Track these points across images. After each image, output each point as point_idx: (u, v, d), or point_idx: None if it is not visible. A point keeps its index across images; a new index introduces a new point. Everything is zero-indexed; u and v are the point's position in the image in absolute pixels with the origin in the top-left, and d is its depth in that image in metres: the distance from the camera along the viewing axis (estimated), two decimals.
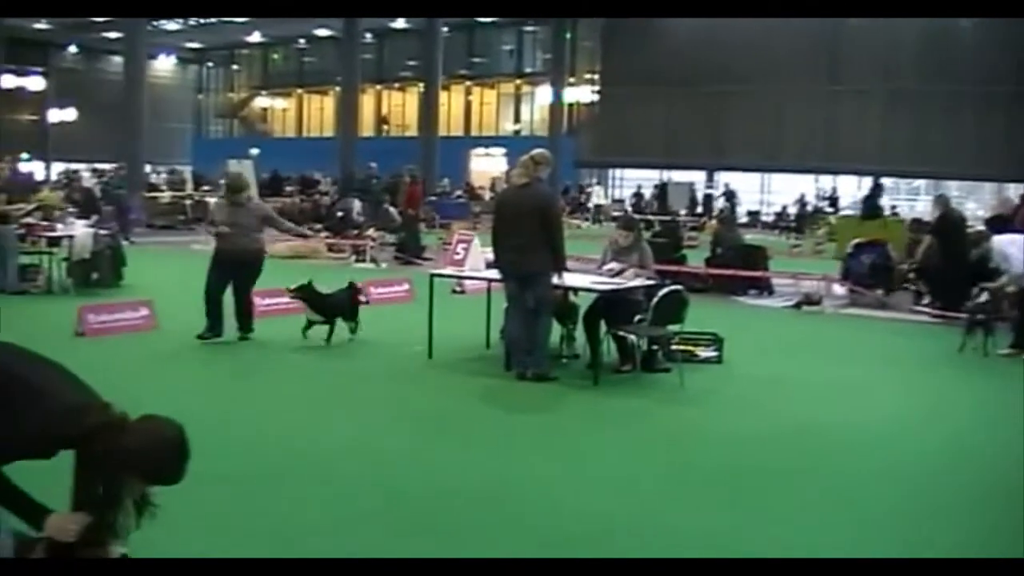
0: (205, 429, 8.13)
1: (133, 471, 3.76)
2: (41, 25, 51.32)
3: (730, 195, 41.08)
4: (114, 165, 39.65)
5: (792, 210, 39.74)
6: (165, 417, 3.90)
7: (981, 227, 17.25)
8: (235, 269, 11.71)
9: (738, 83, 38.78)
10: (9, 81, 43.56)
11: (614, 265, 11.01)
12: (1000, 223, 16.39)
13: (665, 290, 10.26)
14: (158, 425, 3.88)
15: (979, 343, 12.72)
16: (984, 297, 12.95)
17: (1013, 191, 28.23)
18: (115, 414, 3.83)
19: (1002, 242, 12.92)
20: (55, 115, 58.13)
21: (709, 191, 42.05)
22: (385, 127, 58.17)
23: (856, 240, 19.52)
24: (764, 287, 18.95)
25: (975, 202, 37.37)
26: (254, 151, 42.50)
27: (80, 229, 16.79)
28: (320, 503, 6.39)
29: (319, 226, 25.26)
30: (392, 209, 25.47)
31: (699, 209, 39.34)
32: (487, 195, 40.49)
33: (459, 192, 42.74)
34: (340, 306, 12.05)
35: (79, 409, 3.80)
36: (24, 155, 50.19)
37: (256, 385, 9.88)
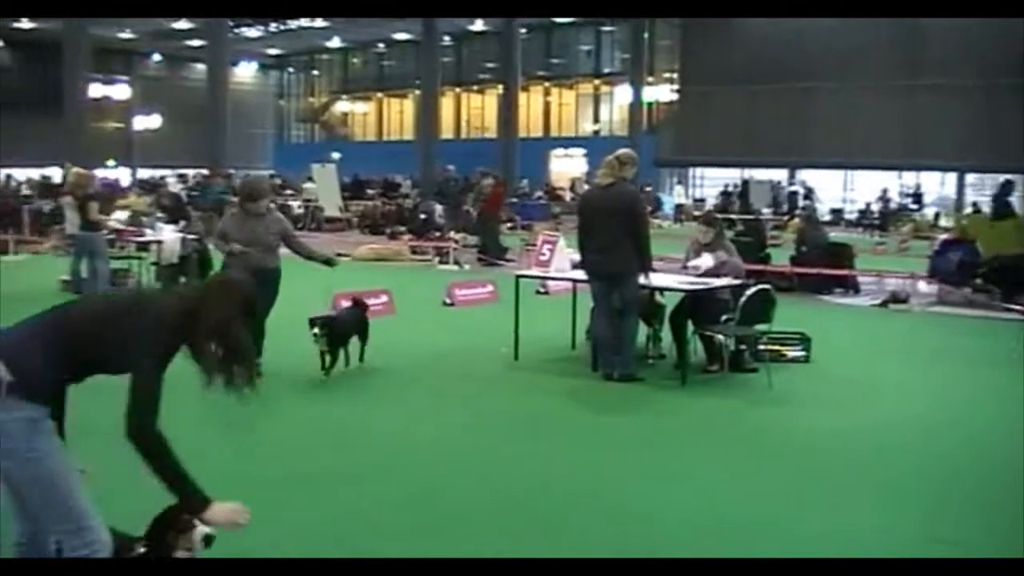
0: (297, 430, 8.28)
1: (237, 315, 4.12)
2: (126, 34, 52.29)
3: (808, 193, 40.59)
4: (195, 172, 40.24)
5: (875, 207, 39.15)
6: (219, 273, 5.29)
7: None
8: None
9: (819, 80, 38.37)
10: (96, 90, 44.39)
11: (703, 261, 10.91)
12: None
13: (753, 289, 10.20)
14: (223, 277, 4.76)
15: None
16: None
17: None
18: (192, 290, 4.34)
19: None
20: (140, 122, 59.18)
21: (793, 189, 41.53)
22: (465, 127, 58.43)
23: (943, 237, 19.22)
24: (850, 286, 18.72)
25: None
26: (335, 155, 42.90)
27: (168, 234, 17.06)
28: (418, 502, 6.45)
29: (403, 228, 25.51)
30: (471, 211, 25.58)
31: (784, 207, 38.89)
32: (567, 196, 40.48)
33: (539, 193, 42.78)
34: (349, 328, 10.49)
35: (173, 296, 4.27)
36: (110, 162, 51.14)
37: (343, 385, 9.97)
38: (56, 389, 3.97)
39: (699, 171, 48.07)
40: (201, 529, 3.91)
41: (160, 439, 3.87)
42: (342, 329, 10.27)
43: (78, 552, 3.88)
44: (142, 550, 3.98)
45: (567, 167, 50.81)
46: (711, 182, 46.04)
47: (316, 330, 9.78)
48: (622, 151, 10.37)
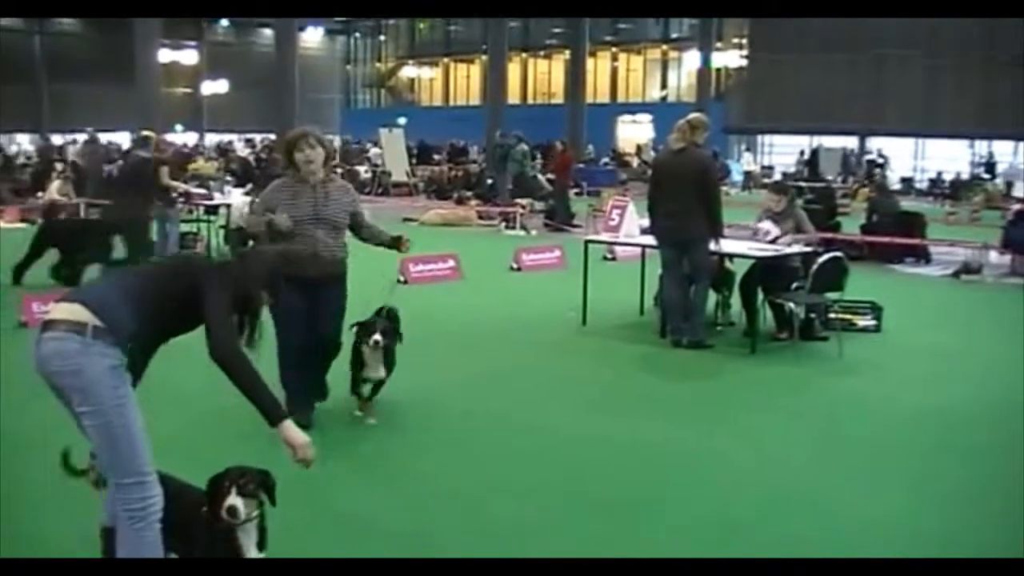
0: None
1: (260, 287, 4.36)
2: None
3: (883, 161, 39.98)
4: (262, 136, 40.40)
5: (948, 176, 38.54)
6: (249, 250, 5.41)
7: None
8: (311, 294, 6.89)
9: (892, 47, 37.81)
10: (165, 55, 44.65)
11: (769, 227, 10.82)
12: None
13: (825, 257, 10.08)
14: (256, 252, 5.21)
15: None
16: None
17: None
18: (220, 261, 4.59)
19: None
20: (208, 87, 59.58)
21: (869, 157, 40.89)
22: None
23: (1017, 207, 18.86)
24: (921, 255, 18.48)
25: None
26: (402, 120, 42.98)
27: (237, 197, 17.20)
28: (488, 472, 6.49)
29: (469, 193, 25.53)
30: (540, 177, 25.48)
31: (854, 176, 38.37)
32: (634, 162, 40.22)
33: (606, 159, 42.58)
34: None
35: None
36: (178, 127, 51.58)
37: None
38: (135, 342, 4.03)
39: (768, 138, 47.56)
40: (230, 499, 3.95)
41: (242, 355, 4.07)
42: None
43: (132, 507, 3.96)
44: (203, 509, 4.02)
45: (634, 133, 50.47)
46: (780, 150, 45.53)
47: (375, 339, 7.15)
48: (694, 115, 10.28)
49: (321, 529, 5.31)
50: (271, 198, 7.09)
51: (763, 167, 42.80)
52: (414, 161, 33.24)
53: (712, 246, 10.07)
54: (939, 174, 39.23)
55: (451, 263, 14.48)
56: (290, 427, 4.04)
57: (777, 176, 36.59)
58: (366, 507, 5.70)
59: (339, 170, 30.38)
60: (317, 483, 5.32)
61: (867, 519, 5.75)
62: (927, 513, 5.93)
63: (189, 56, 58.20)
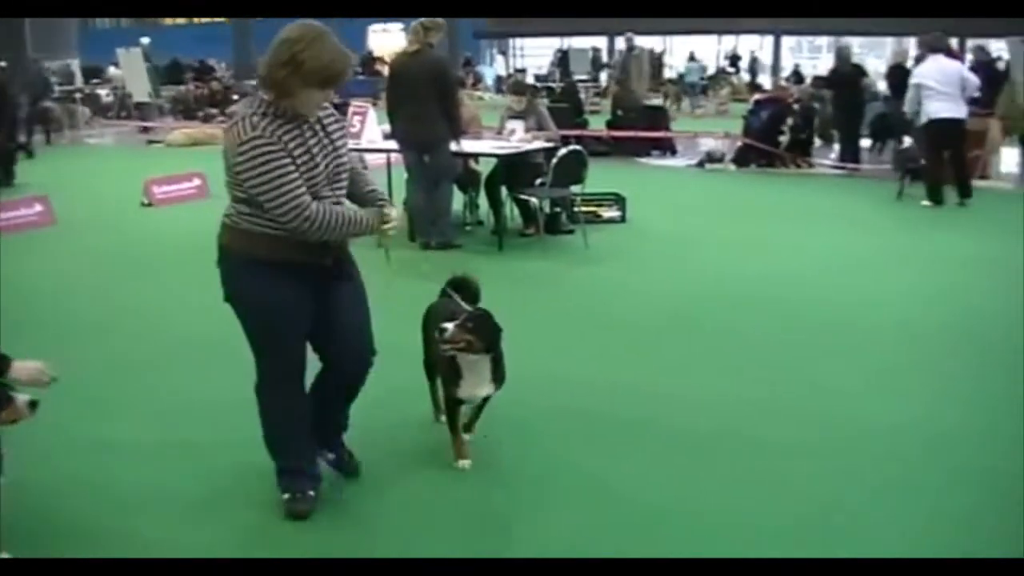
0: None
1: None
2: None
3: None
4: None
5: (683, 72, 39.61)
6: None
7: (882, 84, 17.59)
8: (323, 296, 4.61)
9: None
10: None
11: (514, 125, 10.92)
12: (899, 75, 16.58)
13: (564, 151, 10.23)
14: None
15: (901, 190, 13.38)
16: (908, 142, 13.37)
17: (912, 44, 28.39)
18: None
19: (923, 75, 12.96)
20: None
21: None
22: None
23: (757, 96, 19.61)
24: (667, 148, 19.02)
25: (876, 58, 37.54)
26: (145, 40, 41.32)
27: None
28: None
29: (216, 111, 24.86)
30: None
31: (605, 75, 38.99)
32: (386, 71, 39.78)
33: (359, 70, 41.98)
34: None
35: None
36: None
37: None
38: None
39: (520, 42, 47.82)
40: (21, 397, 3.74)
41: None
42: None
43: None
44: None
45: (386, 42, 49.88)
46: (532, 52, 45.88)
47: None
48: (427, 18, 10.18)
49: None
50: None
51: (516, 70, 43.03)
52: (163, 81, 32.07)
53: (453, 147, 10.08)
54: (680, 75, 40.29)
55: (197, 182, 14.04)
56: (15, 369, 3.77)
57: (530, 79, 36.89)
58: None
59: (78, 94, 29.24)
60: None
61: (615, 383, 5.99)
62: (667, 375, 6.25)
63: None
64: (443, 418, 5.07)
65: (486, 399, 4.92)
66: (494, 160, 10.53)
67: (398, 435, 5.27)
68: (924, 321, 7.56)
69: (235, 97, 24.73)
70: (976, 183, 13.48)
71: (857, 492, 4.64)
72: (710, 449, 5.13)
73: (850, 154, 16.79)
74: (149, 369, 6.50)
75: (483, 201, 11.06)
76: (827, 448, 5.13)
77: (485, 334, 4.67)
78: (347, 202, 4.26)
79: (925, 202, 12.82)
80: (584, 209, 10.87)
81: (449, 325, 4.60)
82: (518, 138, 10.79)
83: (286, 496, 4.36)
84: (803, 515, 4.41)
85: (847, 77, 16.90)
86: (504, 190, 10.57)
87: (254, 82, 23.44)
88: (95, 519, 4.37)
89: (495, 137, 11.20)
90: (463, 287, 5.21)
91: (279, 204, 3.92)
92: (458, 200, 10.92)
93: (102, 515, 4.41)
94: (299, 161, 3.97)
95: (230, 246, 4.19)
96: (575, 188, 10.44)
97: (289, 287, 4.14)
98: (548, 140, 10.91)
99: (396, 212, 4.35)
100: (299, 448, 4.45)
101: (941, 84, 12.59)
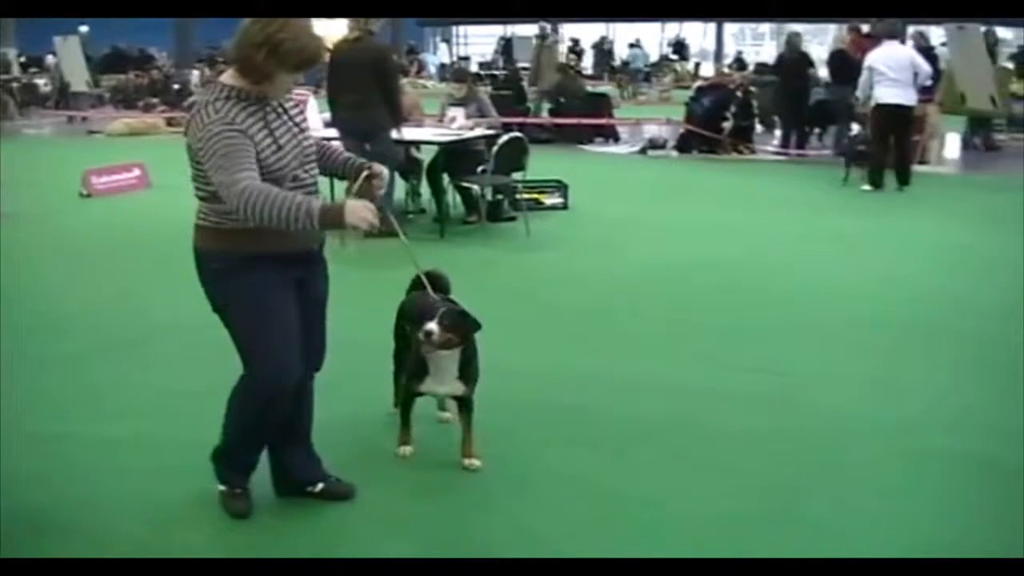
0: None
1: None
2: None
3: (574, 45, 40.71)
4: None
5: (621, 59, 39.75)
6: None
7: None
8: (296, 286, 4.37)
9: None
10: None
11: (455, 113, 10.92)
12: (840, 61, 16.76)
13: (504, 138, 10.23)
14: None
15: (847, 175, 13.68)
16: (856, 129, 13.63)
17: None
18: None
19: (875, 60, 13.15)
20: None
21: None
22: None
23: (699, 83, 19.74)
24: (610, 134, 19.11)
25: (819, 44, 37.80)
26: (84, 28, 40.81)
27: None
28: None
29: (156, 100, 24.64)
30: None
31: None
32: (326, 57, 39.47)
33: None
34: None
35: None
36: None
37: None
38: None
39: (463, 29, 47.71)
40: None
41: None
42: None
43: None
44: None
45: (327, 29, 49.50)
46: (476, 40, 45.81)
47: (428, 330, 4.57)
48: None
49: None
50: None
51: (460, 58, 42.96)
52: (104, 69, 31.70)
53: (395, 135, 10.05)
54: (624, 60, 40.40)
55: (137, 172, 13.89)
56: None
57: (473, 67, 36.83)
58: None
59: (14, 84, 28.81)
60: None
61: (559, 370, 5.96)
62: (610, 360, 6.28)
63: None
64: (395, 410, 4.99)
65: (463, 407, 4.69)
66: (435, 148, 10.51)
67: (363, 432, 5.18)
68: (869, 303, 7.70)
69: (176, 87, 24.54)
70: (916, 168, 13.70)
71: (809, 478, 4.67)
72: (659, 435, 5.15)
73: (795, 140, 16.99)
74: (97, 362, 6.42)
75: (425, 189, 11.04)
76: (777, 433, 5.17)
77: (463, 330, 4.54)
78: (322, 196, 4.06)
79: (865, 186, 12.99)
80: (526, 196, 10.90)
81: (434, 327, 4.39)
82: (459, 125, 10.81)
83: (222, 489, 4.23)
84: (757, 503, 4.42)
85: (794, 65, 17.08)
86: (446, 178, 10.58)
87: (195, 71, 23.29)
88: (49, 513, 4.31)
89: (436, 125, 11.19)
90: (434, 282, 4.92)
91: (220, 182, 3.67)
92: (400, 188, 10.88)
93: (61, 510, 4.34)
94: (263, 145, 3.80)
95: (205, 247, 3.95)
96: (517, 175, 10.46)
97: (278, 283, 3.94)
98: (488, 127, 10.92)
99: (380, 168, 4.26)
100: (258, 449, 4.27)
101: (891, 70, 12.86)
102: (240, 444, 4.21)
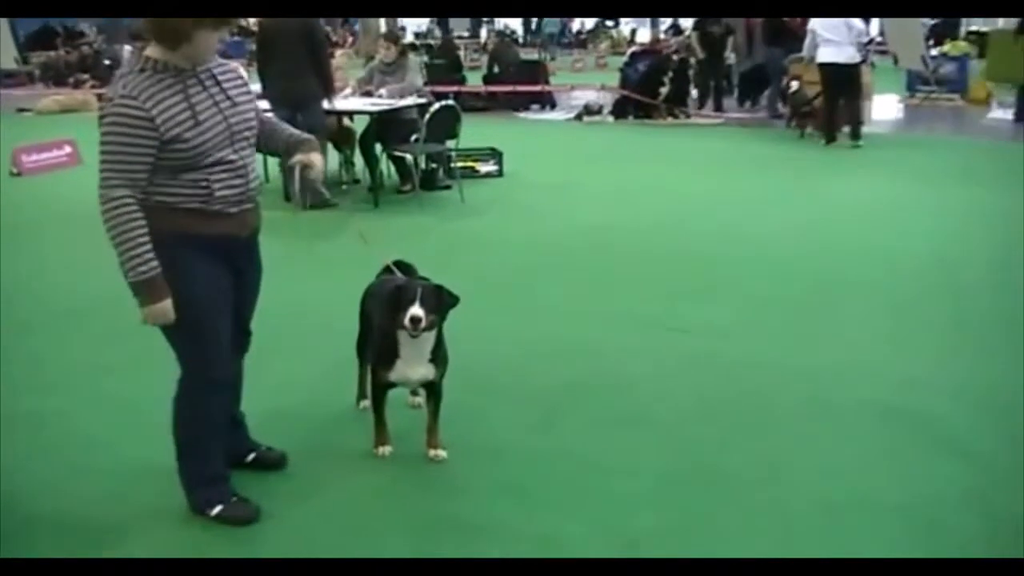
0: None
1: None
2: None
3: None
4: None
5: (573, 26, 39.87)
6: None
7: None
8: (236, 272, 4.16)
9: None
10: None
11: (382, 91, 10.85)
12: (774, 25, 16.98)
13: (436, 106, 10.23)
14: None
15: (803, 132, 14.56)
16: (795, 86, 14.07)
17: None
18: None
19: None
20: None
21: None
22: None
23: (633, 49, 19.80)
24: (546, 102, 19.12)
25: None
26: None
27: None
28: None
29: (86, 76, 24.31)
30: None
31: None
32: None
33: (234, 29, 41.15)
34: None
35: None
36: None
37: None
38: None
39: None
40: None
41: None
42: None
43: None
44: None
45: None
46: None
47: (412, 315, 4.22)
48: None
49: None
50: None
51: (398, 28, 42.74)
52: (32, 47, 31.22)
53: (325, 105, 10.02)
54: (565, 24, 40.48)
55: (68, 149, 13.73)
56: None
57: (409, 36, 36.67)
58: None
59: None
60: None
61: (495, 335, 5.93)
62: (544, 324, 6.27)
63: None
64: (365, 403, 4.81)
65: (432, 392, 4.43)
66: (368, 118, 10.48)
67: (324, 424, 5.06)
68: (795, 260, 7.83)
69: (107, 62, 24.19)
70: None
71: (733, 432, 4.76)
72: (584, 396, 5.20)
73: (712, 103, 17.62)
74: (30, 339, 6.38)
75: (359, 159, 11.01)
76: (703, 389, 5.26)
77: (443, 308, 4.29)
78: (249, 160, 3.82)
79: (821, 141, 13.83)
80: (461, 164, 10.93)
81: (419, 312, 4.08)
82: (387, 93, 10.74)
83: (219, 508, 3.98)
84: (681, 458, 4.49)
85: (717, 36, 17.74)
86: (379, 147, 10.55)
87: (128, 46, 22.90)
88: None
89: (361, 89, 11.13)
90: (403, 268, 4.83)
91: (103, 176, 3.46)
92: (333, 159, 10.85)
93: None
94: (178, 120, 3.50)
95: None
96: (450, 143, 10.47)
97: (212, 265, 3.73)
98: (415, 93, 10.82)
99: (317, 156, 4.07)
100: (217, 452, 4.06)
101: (827, 31, 13.44)
102: (194, 448, 3.99)
